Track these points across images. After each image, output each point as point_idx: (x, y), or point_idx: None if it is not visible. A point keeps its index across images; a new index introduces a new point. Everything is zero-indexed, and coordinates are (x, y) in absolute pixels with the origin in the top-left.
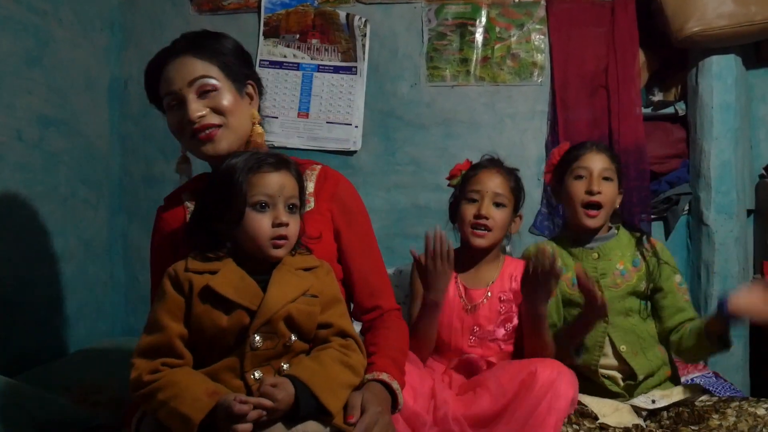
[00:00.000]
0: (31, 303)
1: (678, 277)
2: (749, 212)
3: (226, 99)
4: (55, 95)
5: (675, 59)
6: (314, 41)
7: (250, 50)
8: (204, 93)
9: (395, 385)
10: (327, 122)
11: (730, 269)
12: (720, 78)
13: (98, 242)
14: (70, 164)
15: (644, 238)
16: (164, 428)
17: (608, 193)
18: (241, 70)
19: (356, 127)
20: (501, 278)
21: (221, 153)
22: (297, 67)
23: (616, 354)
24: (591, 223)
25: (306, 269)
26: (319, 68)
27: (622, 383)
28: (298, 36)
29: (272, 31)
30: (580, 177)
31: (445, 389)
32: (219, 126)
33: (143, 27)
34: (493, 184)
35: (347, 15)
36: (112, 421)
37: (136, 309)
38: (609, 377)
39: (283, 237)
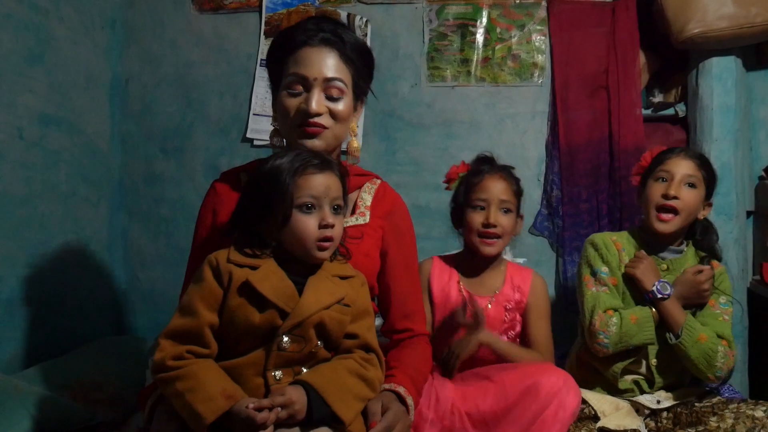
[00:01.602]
0: (31, 301)
1: (723, 298)
2: (749, 213)
3: (345, 107)
4: (56, 93)
5: (675, 61)
6: None
7: (251, 50)
8: (330, 93)
9: (410, 400)
10: None
11: (729, 270)
12: (720, 79)
13: (98, 240)
14: (70, 162)
15: (707, 260)
16: (175, 417)
17: (688, 199)
18: (365, 85)
19: (357, 127)
20: (506, 288)
21: (316, 149)
22: None
23: (646, 364)
24: (661, 227)
25: (342, 277)
26: None
27: (631, 383)
28: None
29: (273, 31)
30: (661, 179)
31: (445, 383)
32: (325, 128)
33: (144, 25)
34: (498, 190)
35: (348, 15)
36: (112, 418)
37: (136, 307)
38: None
39: (329, 239)
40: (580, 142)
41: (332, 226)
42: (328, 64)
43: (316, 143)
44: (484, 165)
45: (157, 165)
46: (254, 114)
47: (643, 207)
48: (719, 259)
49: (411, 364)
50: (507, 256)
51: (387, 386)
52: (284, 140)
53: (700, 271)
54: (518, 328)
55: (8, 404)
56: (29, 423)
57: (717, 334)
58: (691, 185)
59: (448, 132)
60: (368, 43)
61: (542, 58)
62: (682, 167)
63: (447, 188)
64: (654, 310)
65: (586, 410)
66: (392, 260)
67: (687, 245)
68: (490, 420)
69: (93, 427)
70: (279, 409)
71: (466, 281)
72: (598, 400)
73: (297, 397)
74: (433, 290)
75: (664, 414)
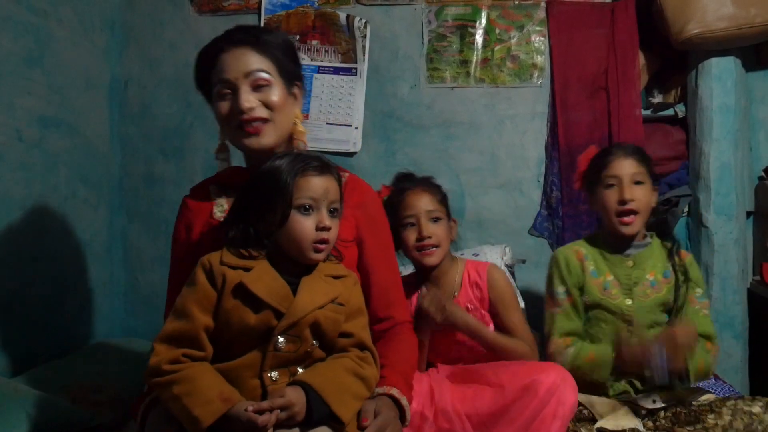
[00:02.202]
0: (31, 303)
1: (698, 291)
2: (748, 214)
3: (277, 95)
4: (55, 95)
5: (675, 61)
6: (314, 42)
7: None
8: (257, 86)
9: (404, 401)
10: (327, 123)
11: (729, 271)
12: (720, 80)
13: (98, 242)
14: (70, 164)
15: (675, 249)
16: (173, 420)
17: (641, 197)
18: (292, 69)
19: (356, 128)
20: (464, 288)
21: (264, 147)
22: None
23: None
24: (628, 230)
25: (335, 277)
26: (319, 69)
27: (625, 384)
28: (298, 37)
29: None
30: (611, 186)
31: (442, 383)
32: (266, 120)
33: (143, 27)
34: (423, 203)
35: (347, 16)
36: (112, 421)
37: (135, 309)
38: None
39: (325, 241)
40: (580, 142)
41: (329, 229)
42: (246, 60)
43: (261, 141)
44: (405, 183)
45: (156, 166)
46: None
47: (600, 213)
48: (671, 231)
49: (399, 359)
50: (506, 257)
51: (380, 390)
52: (229, 155)
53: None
54: (490, 326)
55: (8, 406)
56: (28, 425)
57: (703, 333)
58: (639, 182)
59: (447, 133)
60: (367, 44)
61: (541, 59)
62: (626, 167)
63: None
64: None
65: (584, 411)
66: (369, 249)
67: (651, 237)
68: (490, 420)
69: (93, 429)
70: (279, 411)
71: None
72: (595, 401)
73: (296, 398)
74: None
75: (662, 413)
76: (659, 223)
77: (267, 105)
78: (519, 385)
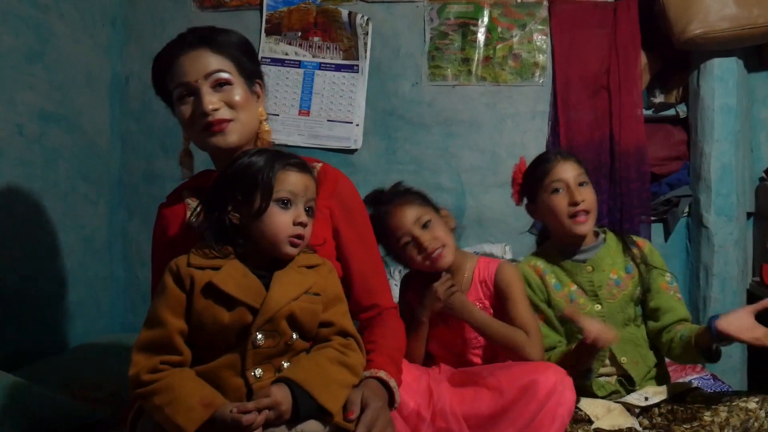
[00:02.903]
0: (31, 299)
1: (667, 276)
2: (749, 215)
3: (239, 94)
4: (56, 91)
5: (677, 61)
6: (316, 39)
7: None
8: (218, 87)
9: (392, 383)
10: (328, 120)
11: (729, 272)
12: (721, 80)
13: (98, 239)
14: (70, 160)
15: (629, 241)
16: (161, 427)
17: (589, 197)
18: (252, 68)
19: (357, 125)
20: (474, 286)
21: (231, 146)
22: (298, 64)
23: (615, 363)
24: (582, 229)
25: (308, 267)
26: (321, 66)
27: (615, 384)
28: (300, 33)
29: (274, 29)
30: (556, 191)
31: (440, 383)
32: (230, 120)
33: (145, 23)
34: (410, 219)
35: (349, 13)
36: (111, 417)
37: (135, 305)
38: (602, 385)
39: (301, 236)
40: (581, 142)
41: (305, 225)
42: (204, 61)
43: (228, 139)
44: (381, 207)
45: (156, 163)
46: None
47: (548, 221)
48: (633, 236)
49: (386, 343)
50: (506, 256)
51: (368, 373)
52: (193, 159)
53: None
54: None
55: (7, 402)
56: (28, 421)
57: (681, 318)
58: (583, 183)
59: (448, 131)
60: (369, 41)
61: (543, 58)
62: (569, 170)
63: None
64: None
65: (581, 413)
66: (346, 238)
67: (605, 233)
68: (488, 422)
69: (92, 425)
70: (267, 411)
71: None
72: (589, 404)
73: (282, 397)
74: (414, 305)
75: (657, 410)
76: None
77: (230, 105)
78: (518, 386)
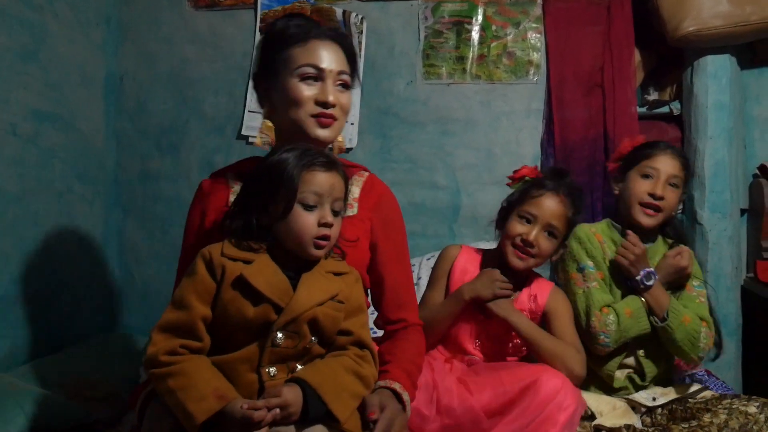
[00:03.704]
0: (26, 298)
1: (695, 281)
2: (743, 211)
3: (348, 100)
4: (51, 90)
5: (670, 59)
6: None
7: (246, 47)
8: (340, 86)
9: (405, 396)
10: None
11: (723, 268)
12: (715, 78)
13: (94, 238)
14: (65, 159)
15: (676, 245)
16: (170, 413)
17: (671, 199)
18: (357, 81)
19: (352, 124)
20: (522, 295)
21: (327, 141)
22: None
23: (633, 353)
24: (647, 221)
25: (336, 274)
26: None
27: (625, 380)
28: None
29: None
30: (647, 176)
31: (446, 377)
32: (336, 119)
33: (139, 22)
34: (551, 212)
35: (344, 12)
36: (107, 416)
37: (131, 305)
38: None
39: (326, 237)
40: (576, 139)
41: (331, 226)
42: (339, 57)
43: (327, 133)
44: (551, 180)
45: (152, 162)
46: (249, 111)
47: (622, 197)
48: (687, 244)
49: (405, 357)
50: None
51: (382, 383)
52: (274, 137)
53: (679, 254)
54: None
55: (3, 402)
56: (24, 421)
57: (697, 315)
58: (675, 185)
59: (443, 129)
60: (364, 40)
61: (537, 56)
62: (669, 167)
63: (509, 185)
64: (643, 299)
65: (587, 410)
66: (383, 252)
67: (656, 235)
68: (490, 417)
69: (88, 424)
70: (277, 410)
71: None
72: (595, 400)
73: (293, 398)
74: (453, 278)
75: (659, 410)
76: (672, 228)
77: (341, 107)
78: (520, 385)
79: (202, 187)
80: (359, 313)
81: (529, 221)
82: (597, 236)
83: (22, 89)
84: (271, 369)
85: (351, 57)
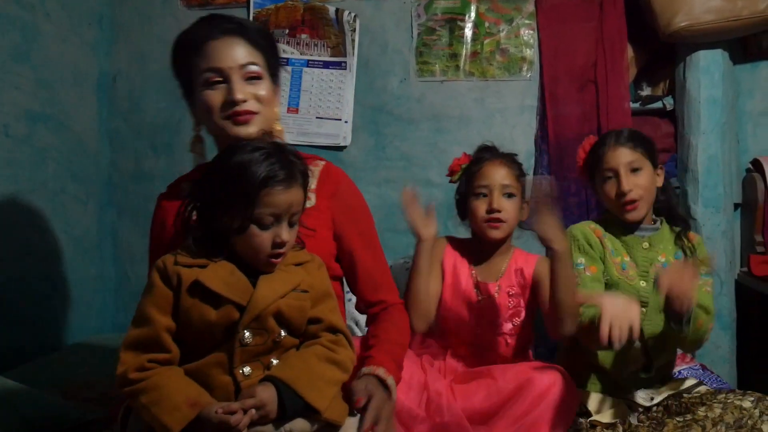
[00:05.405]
0: (21, 299)
1: (703, 269)
2: (736, 206)
3: (266, 89)
4: (43, 90)
5: (663, 54)
6: (303, 36)
7: None
8: (250, 79)
9: (390, 381)
10: (317, 117)
11: (717, 262)
12: (707, 73)
13: (88, 238)
14: (58, 160)
15: (684, 232)
16: (149, 425)
17: (641, 184)
18: (277, 66)
19: (346, 122)
20: (508, 272)
21: (251, 136)
22: (286, 62)
23: (643, 348)
24: (633, 216)
25: (297, 264)
26: (309, 63)
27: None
28: (287, 31)
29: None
30: (608, 178)
31: (438, 380)
32: (255, 113)
33: (132, 22)
34: (500, 176)
35: (336, 10)
36: (103, 417)
37: (126, 305)
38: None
39: (280, 254)
40: (569, 135)
41: (285, 243)
42: (239, 51)
43: (248, 129)
44: (485, 153)
45: (146, 162)
46: None
47: (605, 202)
48: (684, 219)
49: (388, 338)
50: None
51: (366, 370)
52: (204, 146)
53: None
54: (523, 315)
55: None
56: (19, 422)
57: (701, 305)
58: (636, 169)
59: (437, 127)
60: (357, 38)
61: (531, 53)
62: (620, 157)
63: (451, 181)
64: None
65: (582, 406)
66: (349, 238)
67: (660, 222)
68: (484, 416)
69: (84, 425)
70: (253, 411)
71: (476, 268)
72: (593, 399)
73: (267, 397)
74: (445, 269)
75: (655, 406)
76: (668, 209)
77: (257, 99)
78: (514, 383)
79: (159, 202)
80: (326, 299)
81: (485, 195)
82: (596, 232)
83: (14, 89)
84: (244, 369)
85: (259, 45)
